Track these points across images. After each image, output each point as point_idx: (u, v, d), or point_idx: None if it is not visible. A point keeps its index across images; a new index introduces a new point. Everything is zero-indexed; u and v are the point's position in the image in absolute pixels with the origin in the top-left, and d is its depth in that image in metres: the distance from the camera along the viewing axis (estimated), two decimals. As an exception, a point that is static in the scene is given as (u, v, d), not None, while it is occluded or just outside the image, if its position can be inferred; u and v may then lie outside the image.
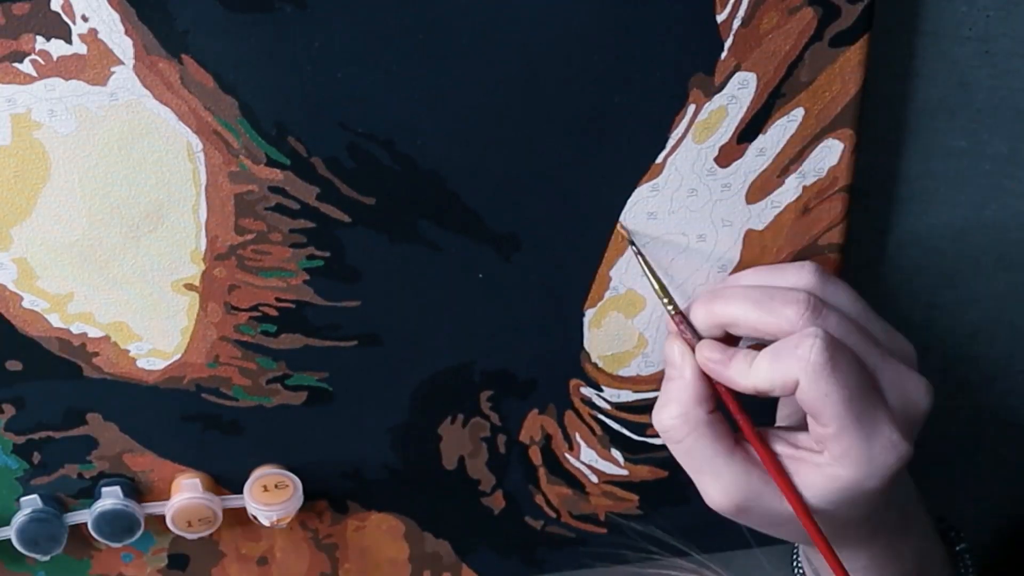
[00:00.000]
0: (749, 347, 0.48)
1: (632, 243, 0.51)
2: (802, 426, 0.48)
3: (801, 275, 0.49)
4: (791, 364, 0.45)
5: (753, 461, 0.47)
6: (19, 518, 0.52)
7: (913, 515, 0.52)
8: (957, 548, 0.55)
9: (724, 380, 0.47)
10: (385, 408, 0.54)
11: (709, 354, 0.48)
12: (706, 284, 0.53)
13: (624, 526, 0.55)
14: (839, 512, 0.47)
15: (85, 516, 0.53)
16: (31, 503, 0.53)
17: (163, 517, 0.54)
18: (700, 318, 0.49)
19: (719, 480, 0.47)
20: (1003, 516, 0.68)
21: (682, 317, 0.49)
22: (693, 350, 0.48)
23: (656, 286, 0.50)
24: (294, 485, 0.53)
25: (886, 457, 0.45)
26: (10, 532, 0.52)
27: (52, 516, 0.53)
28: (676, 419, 0.48)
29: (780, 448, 0.48)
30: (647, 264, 0.50)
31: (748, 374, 0.46)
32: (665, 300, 0.49)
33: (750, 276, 0.51)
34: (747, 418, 0.47)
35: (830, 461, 0.46)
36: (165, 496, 0.54)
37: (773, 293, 0.48)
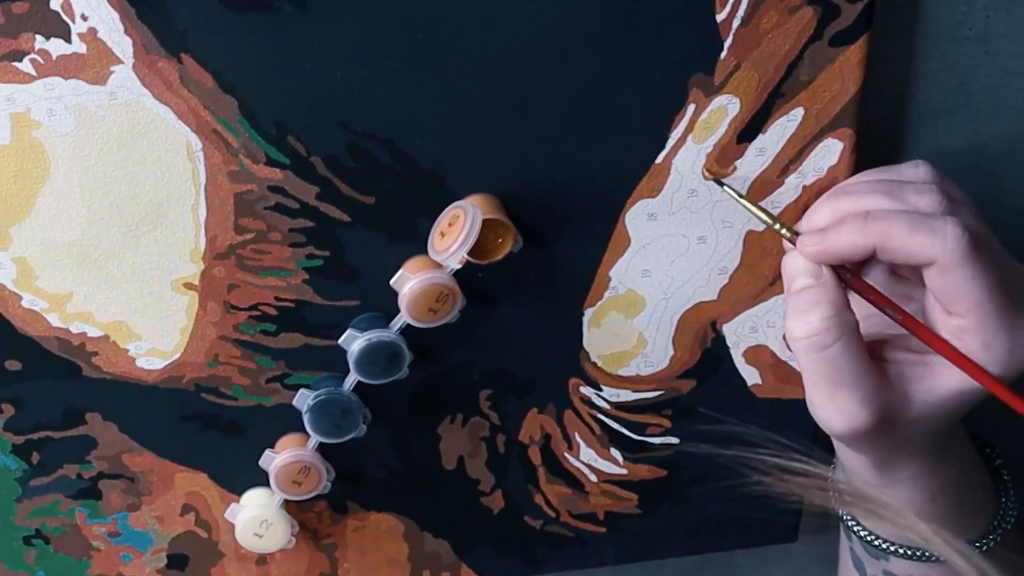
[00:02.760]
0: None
1: (721, 183, 0.49)
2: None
3: (919, 171, 0.46)
4: (932, 241, 0.42)
5: (883, 372, 0.45)
6: (308, 403, 0.51)
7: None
8: (996, 463, 0.53)
9: (837, 246, 0.44)
10: (384, 407, 0.54)
11: (810, 234, 0.45)
12: (707, 286, 0.53)
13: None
14: (955, 414, 0.45)
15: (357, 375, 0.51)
16: (304, 397, 0.51)
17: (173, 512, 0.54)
18: (823, 218, 0.46)
19: (860, 390, 0.44)
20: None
21: (796, 235, 0.47)
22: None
23: (763, 215, 0.47)
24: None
25: (1020, 355, 0.43)
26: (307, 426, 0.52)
27: (334, 391, 0.51)
28: (829, 320, 0.44)
29: (902, 355, 0.46)
30: (743, 197, 0.48)
31: (867, 233, 0.43)
32: (777, 226, 0.47)
33: (863, 177, 0.48)
34: (898, 306, 0.45)
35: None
36: (164, 496, 0.54)
37: (902, 184, 0.45)
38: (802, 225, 0.48)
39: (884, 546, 0.50)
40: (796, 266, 0.46)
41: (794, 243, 0.46)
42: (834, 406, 0.44)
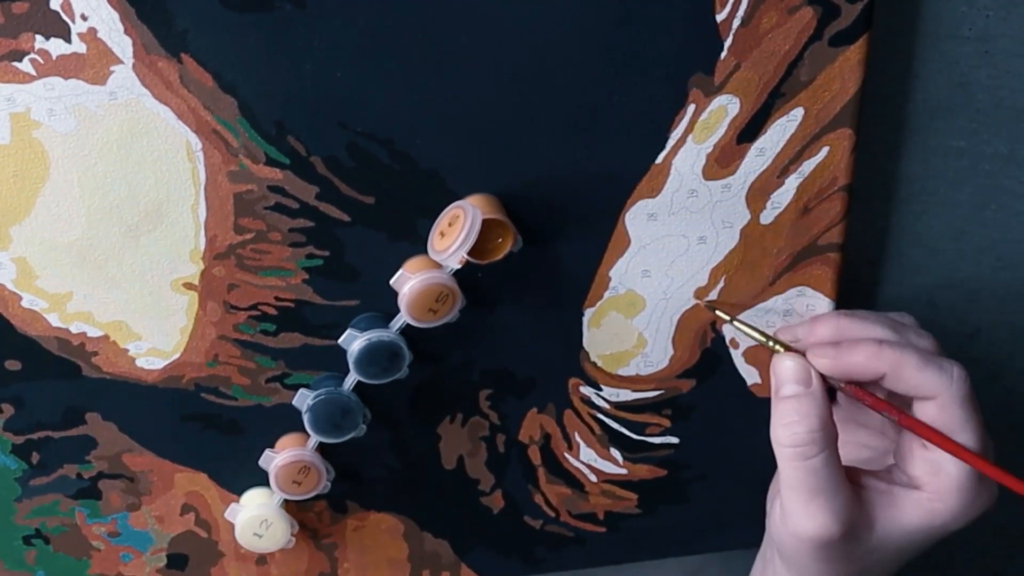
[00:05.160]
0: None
1: (727, 317, 0.52)
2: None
3: (905, 318, 0.50)
4: (939, 379, 0.46)
5: (855, 493, 0.48)
6: (308, 403, 0.51)
7: None
8: None
9: (850, 365, 0.47)
10: (384, 407, 0.54)
11: (822, 348, 0.48)
12: (706, 287, 0.53)
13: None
14: (909, 550, 0.48)
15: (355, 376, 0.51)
16: (304, 396, 0.51)
17: (173, 511, 0.54)
18: (827, 333, 0.49)
19: (835, 502, 0.47)
20: (1002, 517, 0.68)
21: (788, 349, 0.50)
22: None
23: (758, 335, 0.50)
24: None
25: (987, 498, 0.47)
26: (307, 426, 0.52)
27: (334, 391, 0.51)
28: (816, 433, 0.47)
29: (872, 483, 0.48)
30: (749, 327, 0.50)
31: (881, 358, 0.46)
32: (771, 344, 0.49)
33: (856, 312, 0.51)
34: (896, 407, 0.48)
35: (933, 495, 0.47)
36: (164, 495, 0.54)
37: (903, 324, 0.49)
38: (799, 332, 0.50)
39: None
40: (786, 371, 0.48)
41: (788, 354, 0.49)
42: (808, 513, 0.47)
